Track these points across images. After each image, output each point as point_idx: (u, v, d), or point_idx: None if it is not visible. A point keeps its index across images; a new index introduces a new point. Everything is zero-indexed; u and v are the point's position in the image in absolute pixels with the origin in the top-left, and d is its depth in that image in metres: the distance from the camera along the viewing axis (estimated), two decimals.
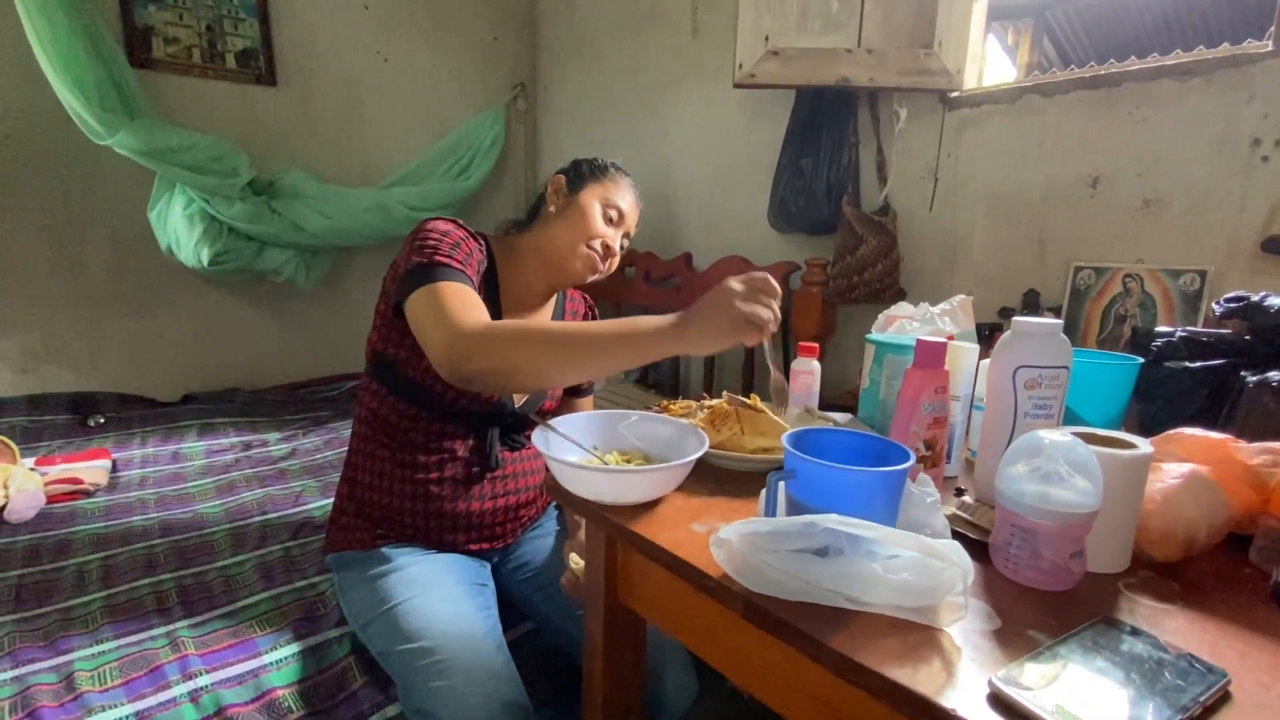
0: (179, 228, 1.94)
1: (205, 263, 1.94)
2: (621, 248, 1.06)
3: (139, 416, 1.95)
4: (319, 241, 2.15)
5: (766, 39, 1.55)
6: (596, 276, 1.04)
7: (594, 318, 1.21)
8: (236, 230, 1.99)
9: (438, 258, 0.87)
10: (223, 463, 1.68)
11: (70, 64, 1.70)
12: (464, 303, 0.81)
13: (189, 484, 1.54)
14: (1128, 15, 3.59)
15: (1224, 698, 0.43)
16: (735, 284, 0.71)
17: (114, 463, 1.61)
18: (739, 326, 0.69)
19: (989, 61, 1.71)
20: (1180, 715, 0.40)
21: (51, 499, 1.41)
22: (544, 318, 1.10)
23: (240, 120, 2.16)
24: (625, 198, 1.04)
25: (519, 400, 1.05)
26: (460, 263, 0.88)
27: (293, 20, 2.22)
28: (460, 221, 0.96)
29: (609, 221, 1.02)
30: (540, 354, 0.76)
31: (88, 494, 1.46)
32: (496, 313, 1.00)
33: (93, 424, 1.86)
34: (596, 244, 1.00)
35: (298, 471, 1.63)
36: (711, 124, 2.05)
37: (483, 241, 0.99)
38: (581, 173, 1.04)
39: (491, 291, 1.00)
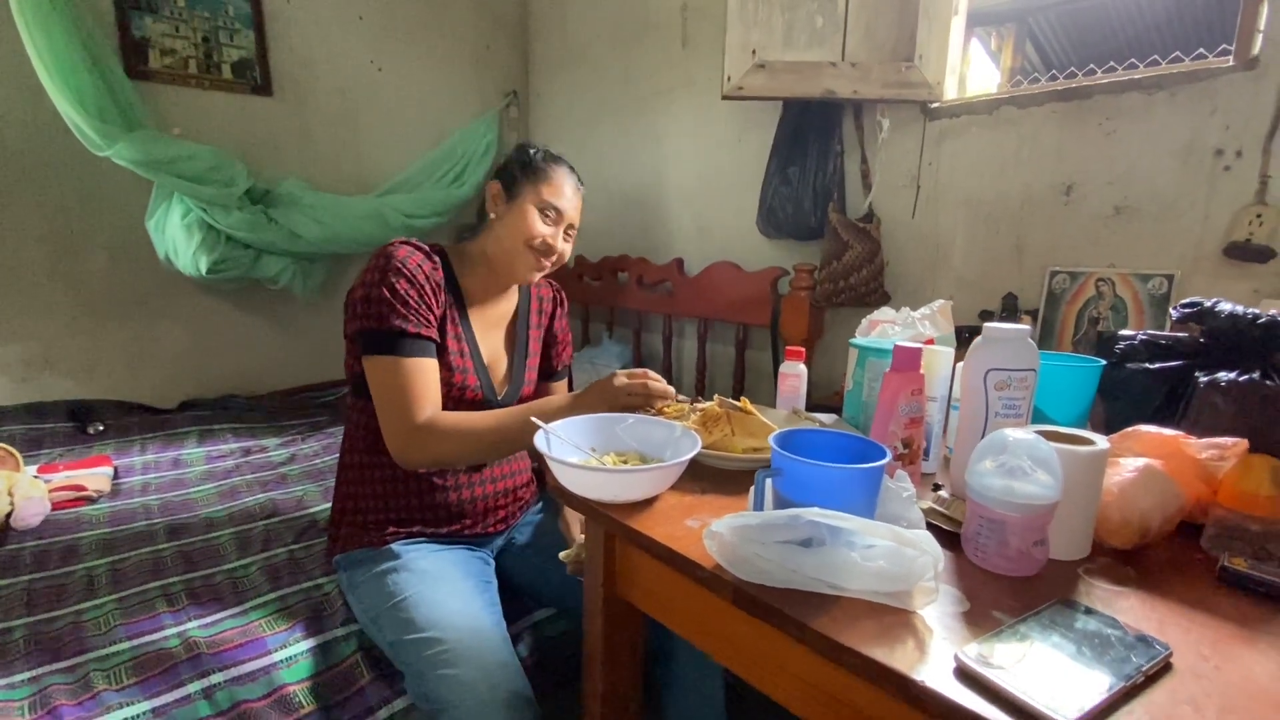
0: (177, 237, 1.96)
1: (203, 271, 1.96)
2: (567, 236, 1.10)
3: (138, 424, 1.97)
4: (316, 249, 2.18)
5: (754, 53, 1.60)
6: (543, 273, 1.10)
7: (562, 304, 1.27)
8: (234, 239, 2.01)
9: (394, 322, 0.95)
10: (224, 468, 1.70)
11: (68, 76, 1.73)
12: (414, 386, 0.96)
13: (191, 490, 1.56)
14: (1108, 23, 3.68)
15: (1166, 668, 0.48)
16: (618, 382, 0.96)
17: (115, 469, 1.64)
18: (618, 407, 0.94)
19: (972, 67, 1.77)
20: (1124, 682, 0.45)
21: (56, 505, 1.43)
22: (507, 309, 1.17)
23: (237, 130, 2.19)
24: (562, 194, 1.07)
25: (500, 392, 1.12)
26: (414, 320, 0.97)
27: (288, 31, 2.25)
28: (416, 244, 1.03)
29: (547, 221, 1.06)
30: (469, 451, 1.01)
31: (91, 500, 1.48)
32: (463, 314, 1.07)
33: (92, 431, 1.88)
34: (537, 243, 1.05)
35: (298, 476, 1.65)
36: (702, 133, 2.10)
37: (438, 260, 1.04)
38: (515, 176, 1.07)
39: (455, 295, 1.06)
